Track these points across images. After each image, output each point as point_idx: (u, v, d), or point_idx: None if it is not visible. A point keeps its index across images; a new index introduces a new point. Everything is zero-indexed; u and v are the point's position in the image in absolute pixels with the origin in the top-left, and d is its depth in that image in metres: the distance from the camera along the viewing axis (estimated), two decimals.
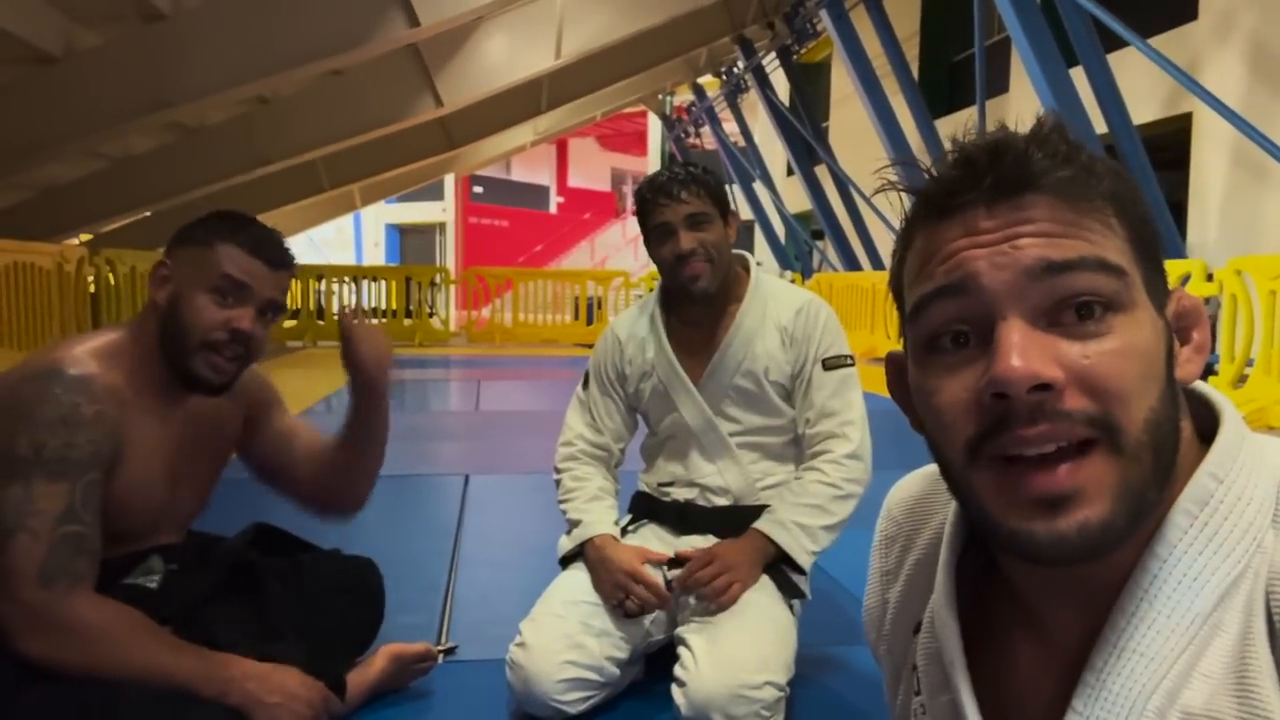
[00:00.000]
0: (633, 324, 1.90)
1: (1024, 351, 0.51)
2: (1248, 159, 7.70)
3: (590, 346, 1.89)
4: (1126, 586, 0.54)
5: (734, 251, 1.82)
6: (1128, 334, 0.52)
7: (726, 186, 1.80)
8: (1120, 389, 0.51)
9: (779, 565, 1.71)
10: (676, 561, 1.74)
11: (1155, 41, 7.57)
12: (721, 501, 1.83)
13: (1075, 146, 0.56)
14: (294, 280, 1.57)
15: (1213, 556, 0.53)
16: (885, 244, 12.57)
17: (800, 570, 1.72)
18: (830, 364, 1.79)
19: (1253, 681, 0.50)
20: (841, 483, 1.74)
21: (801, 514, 1.72)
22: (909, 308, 0.58)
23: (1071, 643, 0.58)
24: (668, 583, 1.71)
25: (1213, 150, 8.43)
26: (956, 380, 0.55)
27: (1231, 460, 0.56)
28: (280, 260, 1.47)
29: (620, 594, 1.68)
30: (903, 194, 0.61)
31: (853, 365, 1.82)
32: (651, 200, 1.74)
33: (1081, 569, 0.55)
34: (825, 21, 11.22)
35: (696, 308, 1.82)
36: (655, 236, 1.76)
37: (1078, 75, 7.50)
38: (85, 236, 11.16)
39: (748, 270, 1.87)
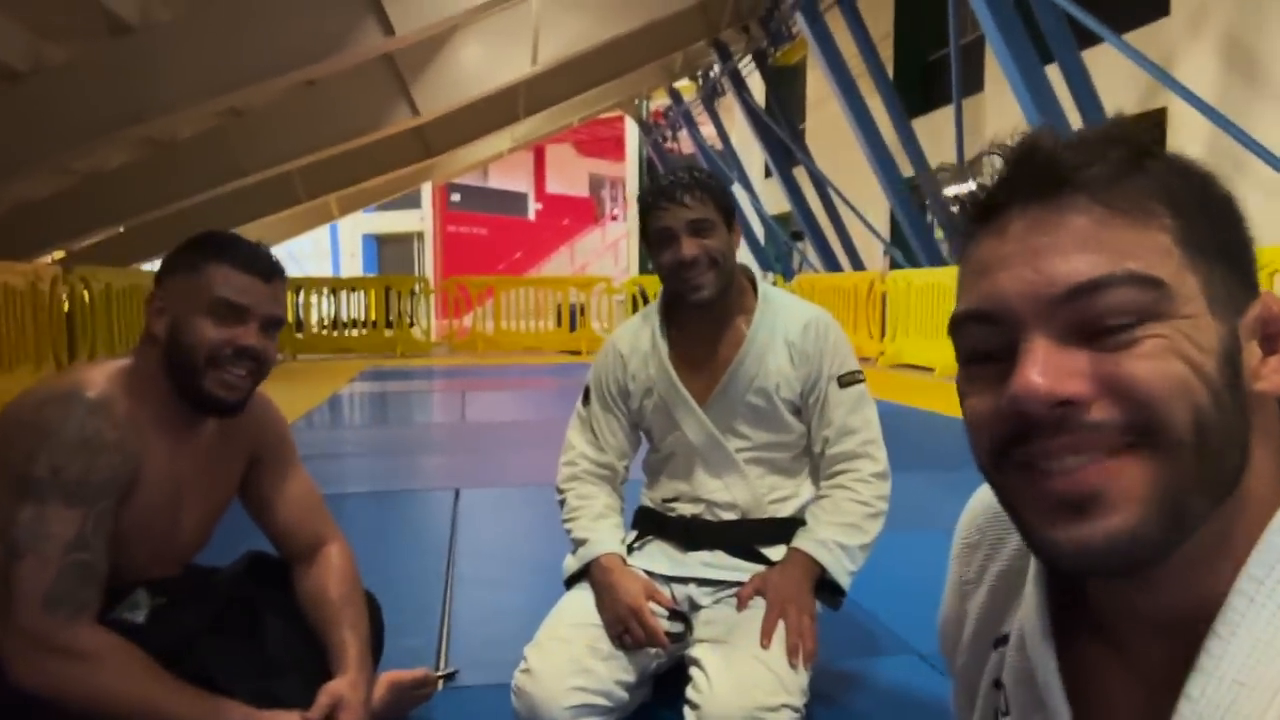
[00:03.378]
0: (635, 337, 1.85)
1: (1045, 369, 0.50)
2: (1224, 153, 7.73)
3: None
4: (1221, 611, 0.51)
5: (740, 264, 1.78)
6: (1166, 341, 0.50)
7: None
8: (1155, 390, 0.49)
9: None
10: (678, 614, 1.70)
11: (1129, 37, 7.61)
12: (729, 516, 1.78)
13: (1117, 141, 0.54)
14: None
15: None
16: (865, 244, 12.59)
17: (839, 591, 1.69)
18: (845, 381, 1.75)
19: None
20: (873, 500, 1.72)
21: (839, 533, 1.68)
22: (951, 316, 0.58)
23: (1157, 668, 0.55)
24: (675, 631, 1.67)
25: (1189, 145, 8.45)
26: (986, 391, 0.54)
27: None
28: (272, 271, 1.45)
29: (620, 628, 1.64)
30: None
31: (864, 380, 1.79)
32: (654, 204, 1.69)
33: (1152, 594, 0.53)
34: (800, 24, 11.24)
35: (700, 319, 1.77)
36: (657, 242, 1.71)
37: (1053, 73, 7.53)
38: (58, 254, 10.99)
39: (753, 282, 1.82)
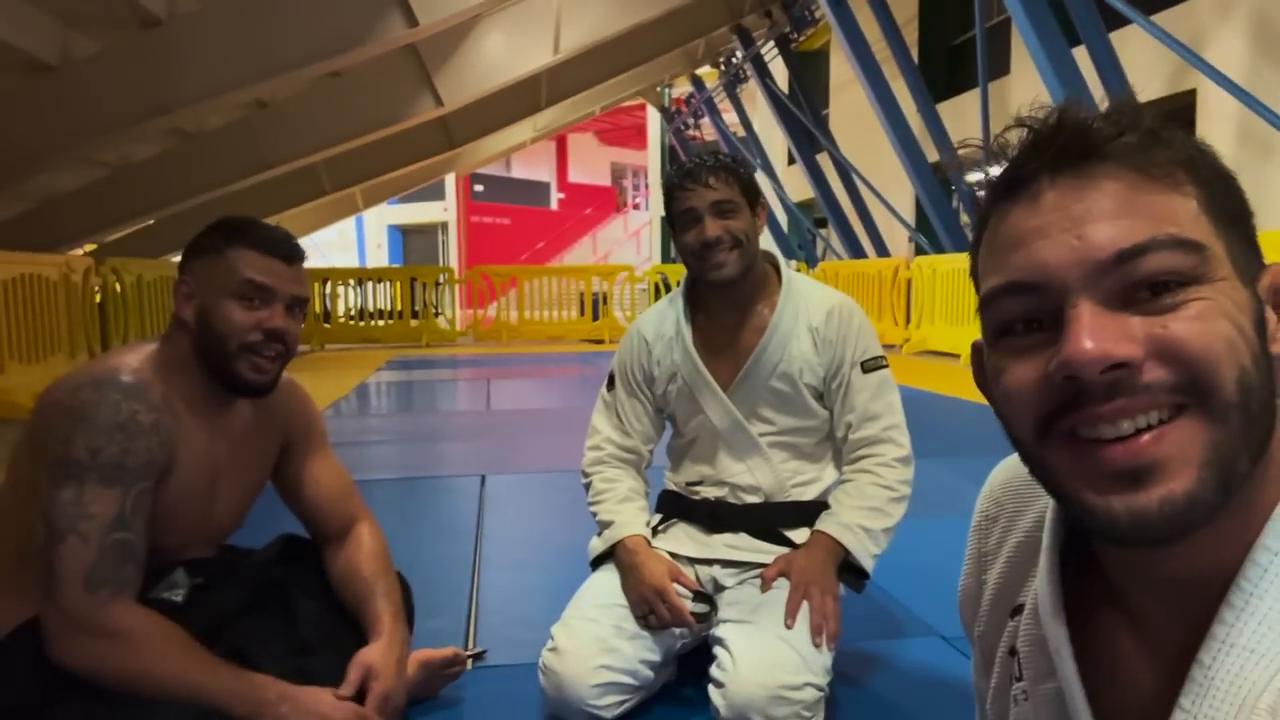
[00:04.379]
0: (659, 323, 1.86)
1: (1095, 332, 0.50)
2: (1253, 134, 7.63)
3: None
4: (1235, 580, 0.52)
5: (763, 249, 1.79)
6: (1209, 303, 0.51)
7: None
8: (1205, 351, 0.49)
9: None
10: (702, 596, 1.72)
11: (1157, 18, 7.50)
12: (752, 499, 1.80)
13: (1140, 113, 0.55)
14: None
15: None
16: (889, 230, 12.51)
17: (862, 574, 1.70)
18: (868, 366, 1.76)
19: None
20: (897, 485, 1.72)
21: (863, 517, 1.69)
22: (980, 295, 0.58)
23: (1171, 636, 0.56)
24: (700, 612, 1.69)
25: (1218, 126, 8.36)
26: (1028, 362, 0.54)
27: None
28: (294, 254, 1.50)
29: (645, 608, 1.66)
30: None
31: (887, 365, 1.80)
32: (679, 186, 1.71)
33: (1172, 561, 0.54)
34: (824, 8, 11.14)
35: (724, 305, 1.79)
36: (681, 223, 1.72)
37: (1080, 55, 7.43)
38: (90, 246, 11.14)
39: (777, 269, 1.83)
